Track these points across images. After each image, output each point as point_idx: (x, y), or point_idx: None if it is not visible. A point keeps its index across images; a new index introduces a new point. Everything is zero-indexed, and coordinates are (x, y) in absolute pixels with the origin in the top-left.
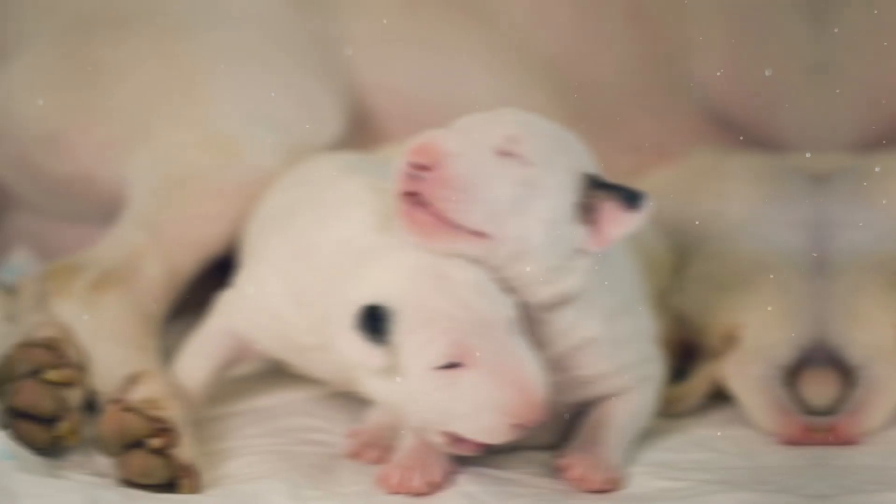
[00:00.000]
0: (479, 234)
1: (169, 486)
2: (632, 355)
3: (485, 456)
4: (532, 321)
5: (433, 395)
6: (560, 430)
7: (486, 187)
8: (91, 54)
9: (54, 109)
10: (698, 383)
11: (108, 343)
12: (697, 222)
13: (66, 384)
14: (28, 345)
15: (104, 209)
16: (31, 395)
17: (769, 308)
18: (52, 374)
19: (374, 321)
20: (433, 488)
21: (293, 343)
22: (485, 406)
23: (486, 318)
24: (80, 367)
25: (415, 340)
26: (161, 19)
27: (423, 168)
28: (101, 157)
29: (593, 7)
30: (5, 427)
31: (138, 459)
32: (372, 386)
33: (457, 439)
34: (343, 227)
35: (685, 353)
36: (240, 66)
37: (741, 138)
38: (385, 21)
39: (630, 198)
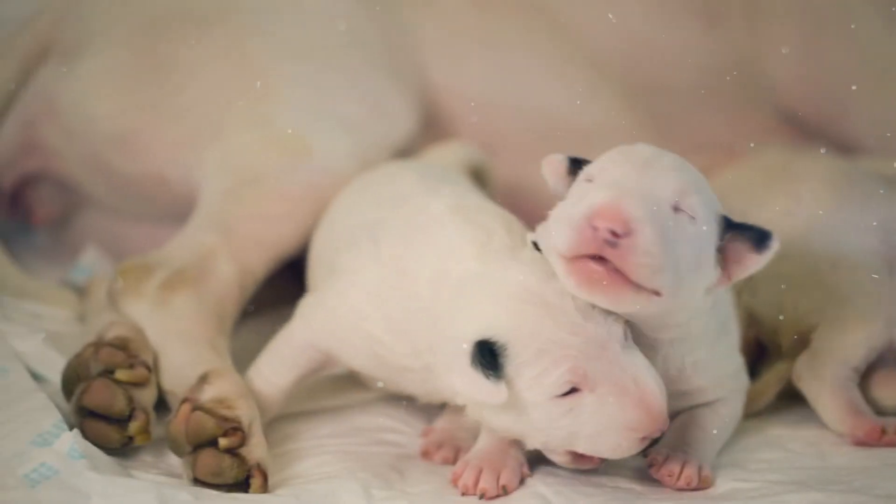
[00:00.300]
0: (656, 293)
1: (240, 486)
2: (727, 369)
3: None
4: (641, 345)
5: (556, 421)
6: None
7: (672, 250)
8: (163, 54)
9: (126, 109)
10: (771, 383)
11: (179, 343)
12: (768, 222)
13: (137, 384)
14: (99, 344)
15: (175, 209)
16: (102, 395)
17: (842, 310)
18: (123, 374)
19: (489, 357)
20: (505, 491)
21: (390, 364)
22: (610, 426)
23: (597, 339)
24: (151, 367)
25: (531, 372)
26: (233, 19)
27: (616, 235)
28: (172, 157)
29: (664, 9)
30: (79, 426)
31: (208, 458)
32: (490, 417)
33: (580, 456)
34: (440, 255)
35: (757, 352)
36: (311, 66)
37: (813, 139)
38: (455, 23)
39: (760, 239)
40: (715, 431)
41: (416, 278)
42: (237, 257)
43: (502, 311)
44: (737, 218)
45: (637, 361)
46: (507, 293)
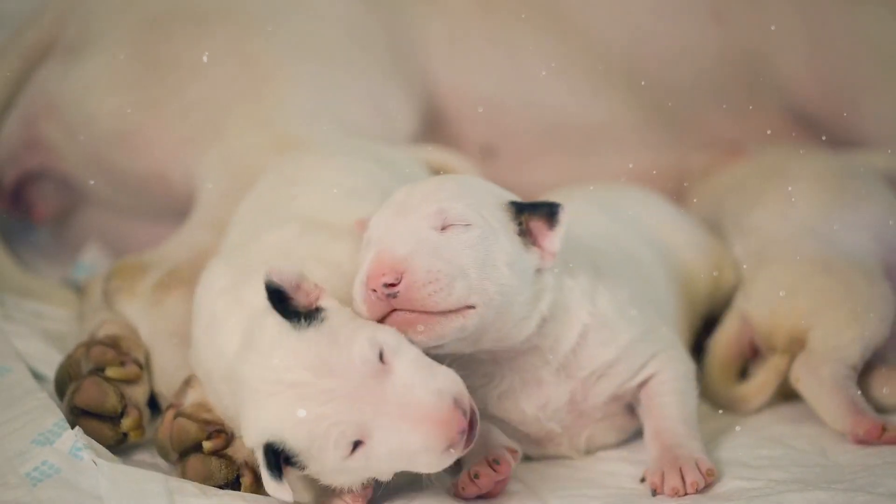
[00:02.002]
0: (469, 307)
1: (231, 486)
2: (630, 332)
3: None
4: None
5: (364, 471)
6: (624, 426)
7: (450, 266)
8: (166, 52)
9: (127, 107)
10: (766, 379)
11: (168, 344)
12: (761, 226)
13: (129, 381)
14: (90, 343)
15: (177, 207)
16: (93, 393)
17: (837, 310)
18: (114, 371)
19: (274, 458)
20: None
21: None
22: (407, 455)
23: (347, 390)
24: (143, 365)
25: (315, 454)
26: (236, 19)
27: (391, 286)
28: (174, 156)
29: (670, 6)
30: (72, 425)
31: (196, 463)
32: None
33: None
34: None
35: (751, 355)
36: (313, 67)
37: (821, 136)
38: (459, 23)
39: (550, 214)
40: (675, 410)
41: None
42: None
43: (263, 413)
44: (729, 221)
45: (397, 380)
46: (257, 391)
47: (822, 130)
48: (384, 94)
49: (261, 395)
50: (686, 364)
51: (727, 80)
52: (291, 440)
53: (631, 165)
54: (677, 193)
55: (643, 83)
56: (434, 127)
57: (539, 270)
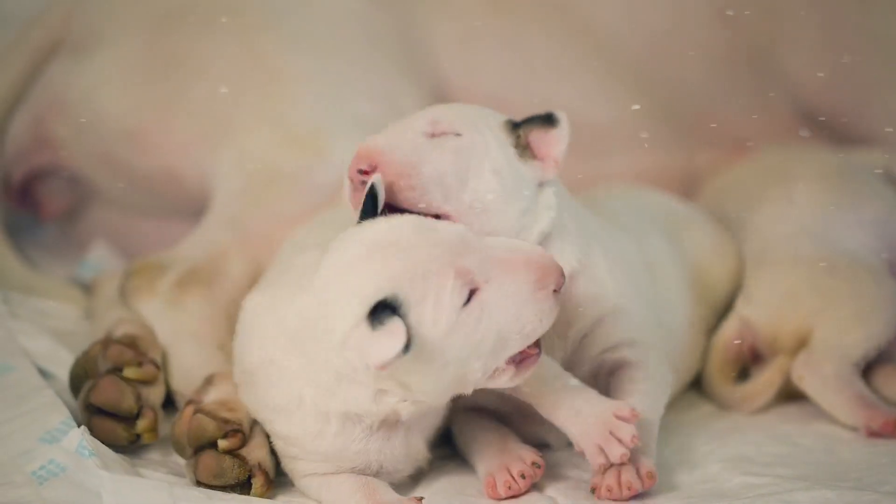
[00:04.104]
0: (444, 216)
1: (242, 487)
2: (619, 301)
3: (567, 458)
4: None
5: (477, 334)
6: None
7: (428, 166)
8: (175, 49)
9: (137, 104)
10: (770, 379)
11: (188, 343)
12: (761, 227)
13: (146, 382)
14: (107, 342)
15: (186, 205)
16: (110, 392)
17: (840, 310)
18: (131, 372)
19: (388, 312)
20: (524, 476)
21: None
22: (521, 298)
23: (452, 239)
24: (160, 366)
25: (429, 302)
26: (246, 16)
27: (364, 173)
28: (184, 153)
29: (680, 6)
30: (86, 423)
31: (209, 460)
32: (429, 392)
33: (521, 360)
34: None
35: (751, 359)
36: (325, 63)
37: (829, 135)
38: (470, 20)
39: (546, 119)
40: (642, 413)
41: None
42: (250, 257)
43: (364, 271)
44: (731, 222)
45: (497, 239)
46: (352, 256)
47: (829, 129)
48: (396, 91)
49: (357, 260)
50: (662, 371)
51: (735, 79)
52: (403, 290)
53: (639, 165)
54: (685, 193)
55: (652, 81)
56: None
57: (542, 185)
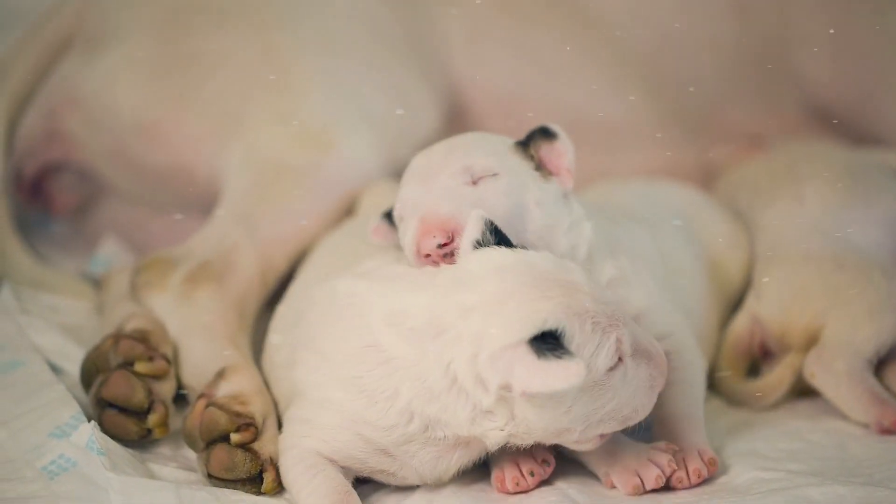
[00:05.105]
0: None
1: (253, 481)
2: (650, 300)
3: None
4: None
5: (600, 400)
6: None
7: (494, 212)
8: (187, 45)
9: (149, 99)
10: (781, 376)
11: (200, 338)
12: (771, 224)
13: (157, 376)
14: (118, 336)
15: (198, 200)
16: (121, 387)
17: (851, 307)
18: (142, 367)
19: (553, 343)
20: (532, 474)
21: (385, 448)
22: (639, 390)
23: (611, 304)
24: (171, 360)
25: (588, 350)
26: (258, 11)
27: (445, 245)
28: (195, 148)
29: (692, 1)
30: (97, 417)
31: (221, 454)
32: (535, 424)
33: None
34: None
35: (761, 355)
36: (336, 59)
37: (841, 132)
38: (480, 16)
39: (545, 133)
40: (681, 400)
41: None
42: (260, 252)
43: (531, 297)
44: (744, 219)
45: (639, 329)
46: (518, 278)
47: (841, 127)
48: (406, 87)
49: (532, 285)
50: (698, 358)
51: (747, 75)
52: (571, 329)
53: (651, 161)
54: (699, 189)
55: (664, 78)
56: (455, 121)
57: (566, 197)
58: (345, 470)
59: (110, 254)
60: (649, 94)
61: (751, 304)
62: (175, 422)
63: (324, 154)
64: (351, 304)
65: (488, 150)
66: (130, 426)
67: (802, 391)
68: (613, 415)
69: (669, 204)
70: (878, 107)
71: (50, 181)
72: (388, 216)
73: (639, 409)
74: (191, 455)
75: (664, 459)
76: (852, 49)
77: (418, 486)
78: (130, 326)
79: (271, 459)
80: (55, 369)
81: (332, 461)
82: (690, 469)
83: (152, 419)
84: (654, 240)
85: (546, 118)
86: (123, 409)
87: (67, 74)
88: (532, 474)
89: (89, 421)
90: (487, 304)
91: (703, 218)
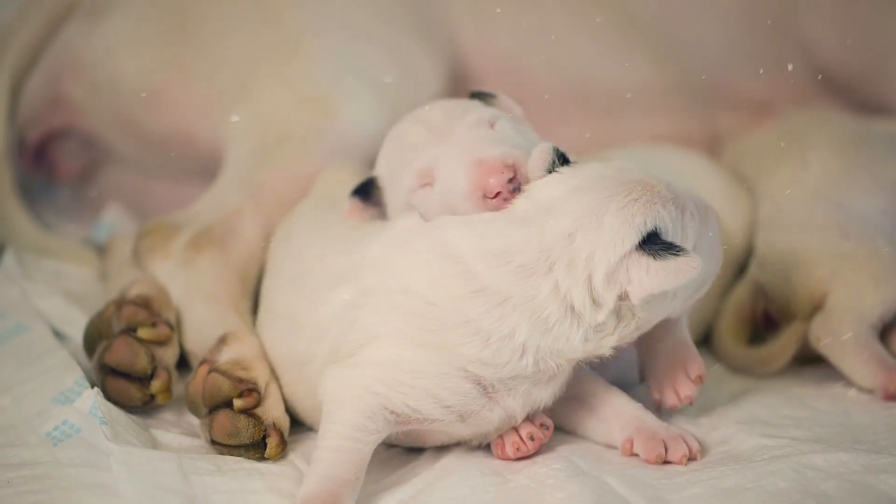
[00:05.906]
0: None
1: (256, 446)
2: None
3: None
4: None
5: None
6: None
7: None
8: (191, 11)
9: (153, 65)
10: (787, 342)
11: (202, 303)
12: (776, 192)
13: (160, 342)
14: (121, 302)
15: (201, 166)
16: (124, 353)
17: (856, 274)
18: (145, 332)
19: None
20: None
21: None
22: (717, 248)
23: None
24: (174, 326)
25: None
26: None
27: (512, 179)
28: (199, 115)
29: None
30: (100, 383)
31: (224, 419)
32: (653, 313)
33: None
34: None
35: (764, 323)
36: (338, 25)
37: (848, 100)
38: None
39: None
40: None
41: (473, 280)
42: (263, 218)
43: (626, 203)
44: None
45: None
46: (607, 190)
47: (849, 94)
48: (409, 52)
49: (625, 193)
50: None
51: (754, 42)
52: (664, 224)
53: (657, 128)
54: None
55: (670, 44)
56: (459, 87)
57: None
58: (394, 425)
59: (113, 220)
60: (655, 61)
61: (754, 272)
62: (178, 388)
63: (326, 120)
64: (439, 248)
65: (474, 103)
66: (134, 392)
67: (805, 358)
68: (703, 282)
69: (669, 168)
70: (886, 73)
71: (53, 147)
72: (359, 194)
73: (716, 268)
74: (194, 421)
75: (695, 444)
76: (860, 16)
77: (424, 450)
78: (133, 292)
79: (274, 424)
80: (58, 335)
81: (392, 414)
82: (681, 392)
83: (155, 385)
84: None
85: (550, 84)
86: (126, 375)
87: (71, 40)
88: (532, 438)
89: (93, 387)
90: (584, 225)
91: (704, 182)
